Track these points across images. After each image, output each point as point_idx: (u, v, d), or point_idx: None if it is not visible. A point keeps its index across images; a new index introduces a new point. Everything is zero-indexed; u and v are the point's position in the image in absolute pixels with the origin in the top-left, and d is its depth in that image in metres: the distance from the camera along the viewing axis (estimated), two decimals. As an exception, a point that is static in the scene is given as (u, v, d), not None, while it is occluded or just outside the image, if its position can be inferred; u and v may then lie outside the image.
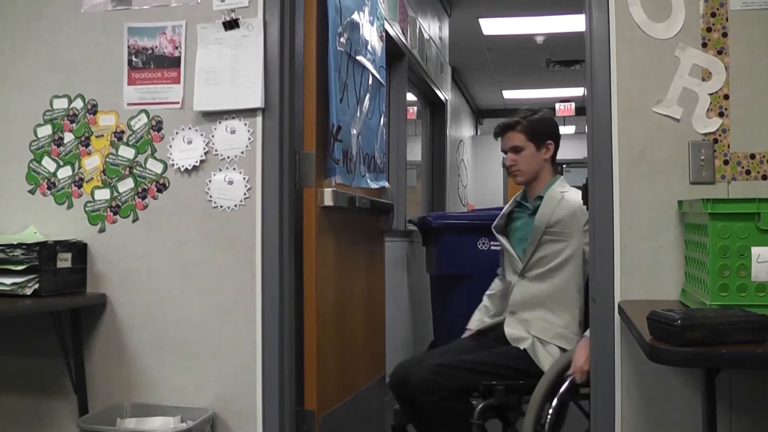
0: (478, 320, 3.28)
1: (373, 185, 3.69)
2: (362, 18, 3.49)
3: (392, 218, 4.00)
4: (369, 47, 3.61)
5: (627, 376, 2.44)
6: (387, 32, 4.50)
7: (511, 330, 2.96)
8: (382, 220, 3.90)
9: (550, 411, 2.64)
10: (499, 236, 3.17)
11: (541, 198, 3.05)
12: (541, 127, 3.09)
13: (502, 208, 3.38)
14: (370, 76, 3.63)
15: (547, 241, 2.95)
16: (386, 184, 3.93)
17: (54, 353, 2.83)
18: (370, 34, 3.63)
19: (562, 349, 2.86)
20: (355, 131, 3.35)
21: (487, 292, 3.36)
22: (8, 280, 2.62)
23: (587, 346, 2.63)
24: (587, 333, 2.66)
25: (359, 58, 3.43)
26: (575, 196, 2.99)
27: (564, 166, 16.40)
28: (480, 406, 2.75)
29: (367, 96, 3.58)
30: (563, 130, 14.76)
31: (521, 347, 2.88)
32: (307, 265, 2.92)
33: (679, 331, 1.58)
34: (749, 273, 1.93)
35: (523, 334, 2.91)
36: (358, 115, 3.42)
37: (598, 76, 2.50)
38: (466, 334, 3.25)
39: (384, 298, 4.00)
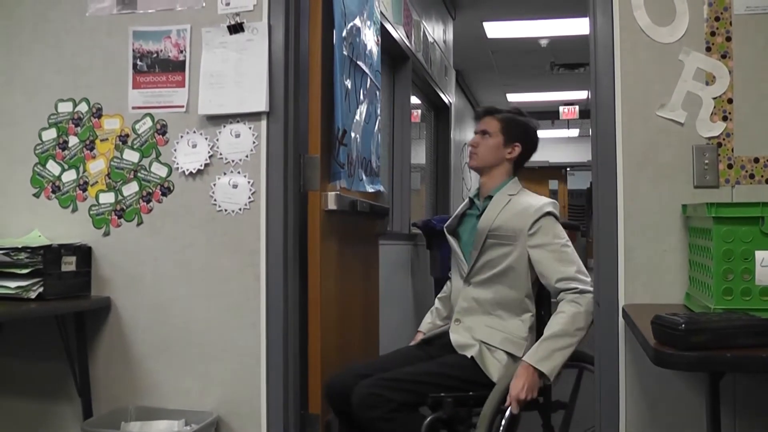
0: (429, 323, 3.13)
1: (370, 189, 3.69)
2: (362, 23, 3.50)
3: (387, 222, 4.00)
4: (367, 52, 3.61)
5: (631, 380, 2.44)
6: (391, 35, 4.52)
7: (456, 337, 2.81)
8: (378, 223, 3.91)
9: (502, 423, 2.53)
10: (450, 237, 3.05)
11: (490, 198, 2.93)
12: (518, 127, 2.97)
13: None
14: (369, 80, 3.64)
15: (491, 245, 2.81)
16: (381, 188, 3.93)
17: (58, 356, 2.84)
18: (368, 38, 3.64)
19: (510, 355, 2.73)
20: (354, 135, 3.36)
21: (439, 295, 3.22)
22: (13, 284, 2.62)
23: (524, 375, 2.55)
24: (529, 359, 2.58)
25: (359, 62, 3.44)
26: (525, 199, 2.88)
27: (568, 169, 16.47)
28: (428, 419, 2.57)
29: (366, 100, 3.59)
30: (567, 133, 14.80)
31: (468, 355, 2.74)
32: (311, 269, 2.93)
33: (683, 335, 1.58)
34: (753, 277, 1.93)
35: (469, 340, 2.77)
36: (358, 119, 3.43)
37: (603, 80, 2.50)
38: (418, 337, 3.09)
39: (378, 300, 3.99)
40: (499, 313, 2.79)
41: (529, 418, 2.74)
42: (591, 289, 2.61)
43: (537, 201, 2.83)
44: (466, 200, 3.09)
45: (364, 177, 3.59)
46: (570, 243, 2.76)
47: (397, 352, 3.03)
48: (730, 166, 2.40)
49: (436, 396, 2.61)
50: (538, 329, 2.79)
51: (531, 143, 3.01)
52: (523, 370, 2.57)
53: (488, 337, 2.76)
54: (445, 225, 3.11)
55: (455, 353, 2.77)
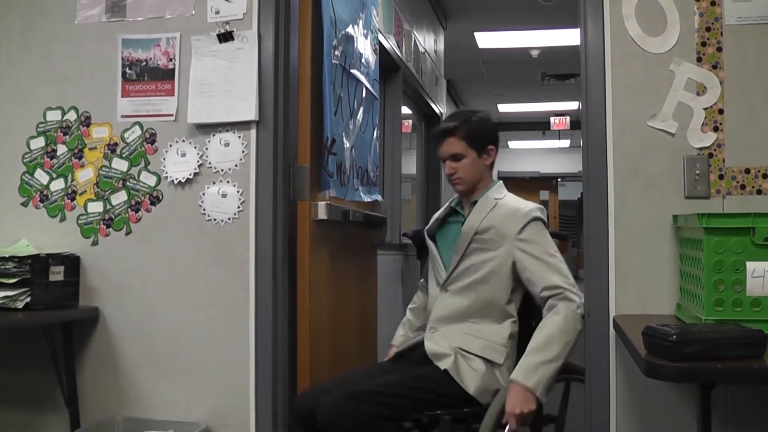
0: (402, 335, 3.03)
1: (366, 198, 3.68)
2: (356, 31, 3.49)
3: (385, 231, 3.99)
4: (363, 60, 3.61)
5: (622, 391, 2.43)
6: (382, 45, 4.51)
7: (431, 345, 2.68)
8: (374, 233, 3.89)
9: None
10: (429, 242, 2.95)
11: (475, 204, 2.85)
12: (482, 132, 2.87)
13: None
14: (364, 89, 3.63)
15: (474, 249, 2.73)
16: (379, 198, 3.92)
17: (46, 367, 2.81)
18: (364, 47, 3.63)
19: (488, 362, 2.63)
20: (348, 144, 3.35)
21: (410, 306, 3.14)
22: (0, 294, 2.60)
23: (514, 391, 2.46)
24: (515, 377, 2.48)
25: (353, 71, 3.43)
26: (512, 201, 2.81)
27: (559, 179, 16.52)
28: None
29: (361, 109, 3.58)
30: (558, 144, 14.85)
31: (442, 367, 2.61)
32: (300, 279, 2.91)
33: (674, 346, 1.57)
34: (744, 288, 1.93)
35: (445, 350, 2.65)
36: (352, 128, 3.42)
37: (593, 90, 2.50)
38: (391, 351, 2.98)
39: (376, 311, 3.98)
40: (478, 320, 2.70)
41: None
42: (575, 299, 2.56)
43: (525, 205, 2.76)
44: (446, 206, 3.00)
45: (360, 186, 3.58)
46: (557, 251, 2.71)
47: (368, 368, 2.94)
48: (721, 177, 2.40)
49: (433, 413, 2.52)
50: (527, 339, 2.74)
51: (497, 137, 2.94)
52: (512, 388, 2.48)
53: (466, 344, 2.66)
54: (426, 229, 3.02)
55: (430, 364, 2.66)
